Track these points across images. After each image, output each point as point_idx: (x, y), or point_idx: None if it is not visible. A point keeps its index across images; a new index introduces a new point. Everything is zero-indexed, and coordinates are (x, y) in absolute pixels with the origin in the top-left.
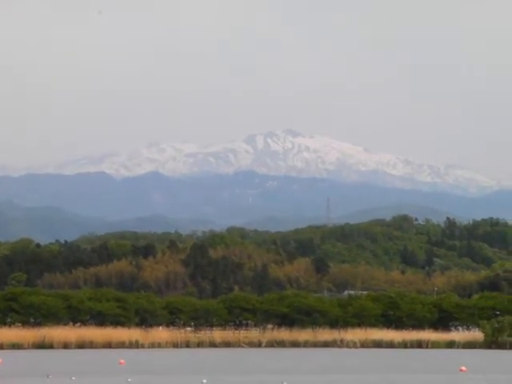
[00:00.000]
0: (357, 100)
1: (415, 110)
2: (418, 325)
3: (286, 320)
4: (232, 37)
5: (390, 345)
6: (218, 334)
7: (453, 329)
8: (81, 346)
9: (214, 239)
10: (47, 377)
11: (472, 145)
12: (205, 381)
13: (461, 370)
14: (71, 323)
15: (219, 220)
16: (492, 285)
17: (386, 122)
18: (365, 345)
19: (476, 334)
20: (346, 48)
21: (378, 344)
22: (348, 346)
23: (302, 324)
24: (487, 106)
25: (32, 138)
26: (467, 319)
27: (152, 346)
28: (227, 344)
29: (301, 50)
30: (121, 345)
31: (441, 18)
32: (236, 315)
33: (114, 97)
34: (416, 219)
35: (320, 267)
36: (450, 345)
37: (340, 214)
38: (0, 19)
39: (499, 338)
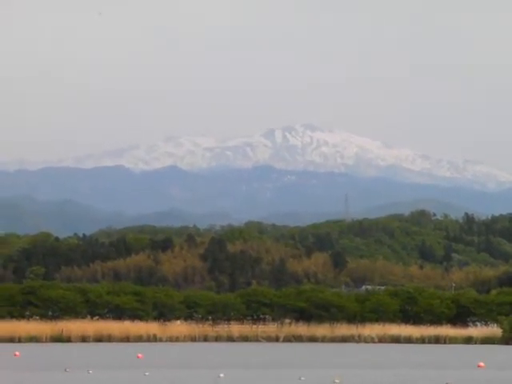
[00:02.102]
0: (376, 94)
1: (434, 105)
2: (436, 320)
3: (304, 315)
4: (247, 30)
5: (408, 340)
6: (235, 328)
7: (471, 324)
8: (99, 339)
9: (232, 233)
10: (65, 370)
11: (491, 140)
12: (222, 375)
13: (479, 366)
14: (89, 317)
15: (237, 214)
16: (511, 280)
17: (404, 117)
18: (382, 340)
19: (494, 330)
20: (365, 42)
21: (395, 339)
22: (366, 341)
23: (320, 319)
24: (506, 101)
25: (49, 132)
26: (485, 315)
27: (170, 339)
28: (245, 338)
29: (318, 43)
30: (138, 339)
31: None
32: (254, 309)
33: (132, 92)
34: (434, 214)
35: (338, 262)
36: (468, 340)
37: (358, 208)
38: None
39: None
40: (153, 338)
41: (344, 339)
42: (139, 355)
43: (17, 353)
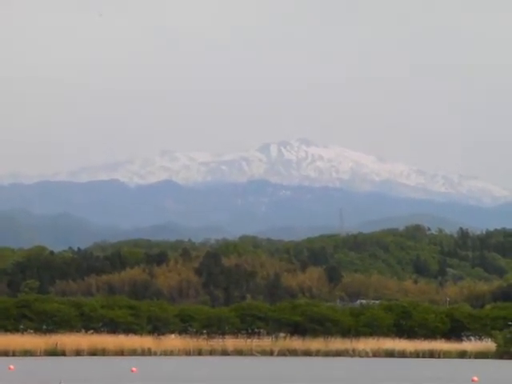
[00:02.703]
0: (370, 110)
1: (428, 121)
2: (431, 335)
3: (299, 329)
4: (232, 36)
5: (402, 354)
6: (230, 342)
7: (465, 339)
8: (93, 353)
9: (227, 247)
10: None
11: (486, 155)
12: None
13: (473, 381)
14: (83, 330)
15: (232, 228)
16: (505, 295)
17: (399, 132)
18: (377, 354)
19: (488, 345)
20: (359, 57)
21: (389, 353)
22: (360, 356)
23: (314, 333)
24: (501, 118)
25: (45, 146)
26: (479, 329)
27: (164, 353)
28: (239, 352)
29: (314, 59)
30: (133, 352)
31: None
32: (248, 323)
33: (127, 106)
34: (429, 229)
35: (332, 276)
36: (462, 355)
37: (353, 223)
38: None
39: (511, 349)
40: (147, 352)
41: (338, 353)
42: (133, 369)
43: (11, 366)
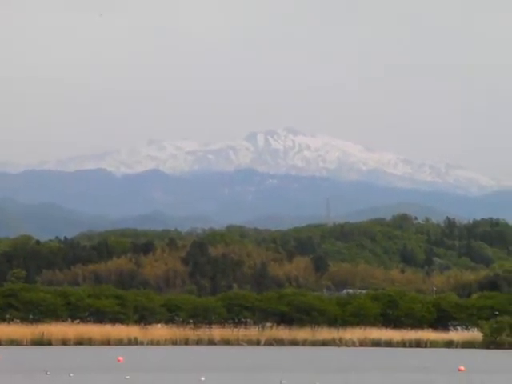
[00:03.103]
0: (357, 98)
1: (416, 109)
2: (417, 324)
3: (285, 318)
4: (232, 36)
5: (389, 344)
6: (216, 332)
7: (451, 328)
8: (79, 342)
9: (214, 237)
10: (46, 373)
11: (473, 145)
12: (203, 378)
13: (459, 370)
14: (70, 320)
15: (219, 218)
16: (491, 284)
17: (386, 121)
18: (363, 344)
19: (475, 334)
20: (347, 46)
21: (376, 343)
22: (347, 345)
23: (301, 322)
24: (488, 107)
25: (31, 135)
26: (466, 319)
27: (151, 343)
28: (226, 342)
29: (301, 48)
30: (119, 342)
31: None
32: (235, 313)
33: (114, 95)
34: (416, 218)
35: (319, 266)
36: (449, 344)
37: (340, 213)
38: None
39: (498, 338)
40: (134, 342)
41: (325, 343)
42: (120, 358)
43: None
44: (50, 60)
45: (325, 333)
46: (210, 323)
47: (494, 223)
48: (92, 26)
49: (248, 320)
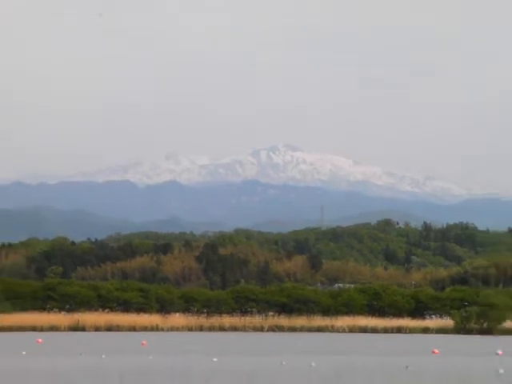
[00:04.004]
0: (347, 117)
1: (399, 128)
2: (398, 313)
3: (285, 308)
4: (234, 62)
5: (374, 330)
6: (226, 320)
7: (427, 317)
8: (109, 329)
9: (223, 239)
10: (80, 355)
11: (448, 159)
12: (215, 359)
13: (434, 353)
14: (101, 310)
15: (228, 222)
16: (461, 280)
17: (372, 138)
18: (352, 330)
19: (447, 322)
20: (342, 71)
21: (363, 329)
22: (338, 331)
23: (299, 312)
24: (463, 126)
25: (65, 149)
26: (440, 309)
27: (170, 329)
28: (234, 328)
29: (299, 72)
30: (143, 328)
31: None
32: (242, 304)
33: (136, 112)
34: (397, 223)
35: (314, 263)
36: (425, 330)
37: (332, 218)
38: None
39: (467, 325)
40: (155, 328)
41: (319, 329)
42: (144, 342)
43: (39, 340)
44: (77, 73)
45: (319, 321)
46: (220, 313)
47: (464, 227)
48: (113, 41)
49: (253, 310)
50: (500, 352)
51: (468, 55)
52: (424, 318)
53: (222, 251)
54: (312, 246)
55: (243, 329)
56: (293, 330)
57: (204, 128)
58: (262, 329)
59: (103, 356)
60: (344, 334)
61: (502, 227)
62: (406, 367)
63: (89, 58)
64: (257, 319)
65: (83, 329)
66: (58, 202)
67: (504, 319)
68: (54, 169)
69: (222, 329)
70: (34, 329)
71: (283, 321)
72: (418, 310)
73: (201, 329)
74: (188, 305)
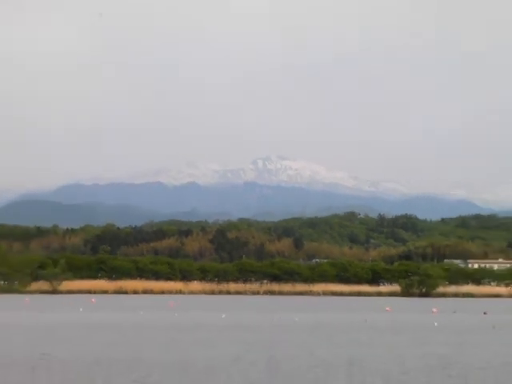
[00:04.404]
0: (322, 137)
1: (360, 142)
2: (359, 281)
3: (276, 278)
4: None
5: (342, 294)
6: (232, 286)
7: (381, 284)
8: (145, 292)
9: (230, 226)
10: (123, 312)
11: (396, 165)
12: (224, 315)
13: (387, 310)
14: (138, 278)
15: (234, 214)
16: (406, 256)
17: (341, 150)
18: (326, 294)
19: (396, 288)
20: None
21: (334, 294)
22: (315, 295)
23: (286, 280)
24: (406, 133)
25: (109, 156)
26: (390, 278)
27: (191, 293)
28: (238, 292)
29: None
30: (170, 292)
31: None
32: (244, 274)
33: (165, 128)
34: (359, 214)
35: (297, 244)
36: (379, 294)
37: (311, 211)
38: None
39: (410, 290)
40: (179, 292)
41: (301, 293)
42: (171, 303)
43: (93, 300)
44: (121, 84)
45: (301, 287)
46: (227, 281)
47: (409, 217)
48: (142, 46)
49: (252, 279)
50: (435, 310)
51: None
52: (379, 285)
53: (229, 235)
54: (296, 231)
55: (244, 293)
56: (281, 294)
57: (215, 141)
58: (258, 293)
59: (141, 312)
60: (319, 297)
61: (436, 218)
62: (365, 321)
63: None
64: (255, 286)
65: (125, 292)
66: (107, 199)
67: (438, 286)
68: (105, 171)
69: (228, 293)
70: (89, 292)
71: (274, 287)
72: (374, 279)
73: (213, 293)
74: (203, 275)
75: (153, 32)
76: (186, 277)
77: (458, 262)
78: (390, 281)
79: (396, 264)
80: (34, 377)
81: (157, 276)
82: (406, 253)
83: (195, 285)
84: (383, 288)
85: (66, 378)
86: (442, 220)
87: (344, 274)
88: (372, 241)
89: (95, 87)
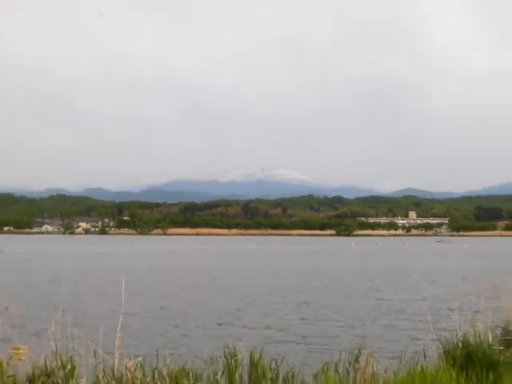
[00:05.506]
0: (300, 150)
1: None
2: (316, 229)
3: (274, 227)
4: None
5: (308, 235)
6: (252, 232)
7: (327, 230)
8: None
9: (251, 202)
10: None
11: (333, 163)
12: (249, 247)
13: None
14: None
15: (249, 198)
16: (339, 216)
17: (314, 162)
18: (298, 235)
19: (333, 231)
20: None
21: (303, 235)
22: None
23: (278, 229)
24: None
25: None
26: (332, 227)
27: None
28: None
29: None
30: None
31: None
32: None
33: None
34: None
35: (285, 211)
36: (325, 235)
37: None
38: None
39: (341, 233)
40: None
41: (287, 235)
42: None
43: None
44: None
45: (287, 232)
46: (249, 228)
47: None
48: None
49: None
50: (353, 243)
51: None
52: (325, 230)
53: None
54: (288, 207)
55: (262, 235)
56: (275, 235)
57: (240, 154)
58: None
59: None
60: (295, 237)
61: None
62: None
63: None
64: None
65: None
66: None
67: (354, 231)
68: (179, 172)
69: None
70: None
71: (272, 232)
72: (322, 227)
73: (242, 234)
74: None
75: None
76: (228, 227)
77: (363, 219)
78: (331, 228)
79: (333, 220)
80: None
81: (208, 226)
82: (338, 214)
83: (232, 231)
84: (328, 232)
85: None
86: (356, 198)
87: (308, 225)
88: (321, 208)
89: None
